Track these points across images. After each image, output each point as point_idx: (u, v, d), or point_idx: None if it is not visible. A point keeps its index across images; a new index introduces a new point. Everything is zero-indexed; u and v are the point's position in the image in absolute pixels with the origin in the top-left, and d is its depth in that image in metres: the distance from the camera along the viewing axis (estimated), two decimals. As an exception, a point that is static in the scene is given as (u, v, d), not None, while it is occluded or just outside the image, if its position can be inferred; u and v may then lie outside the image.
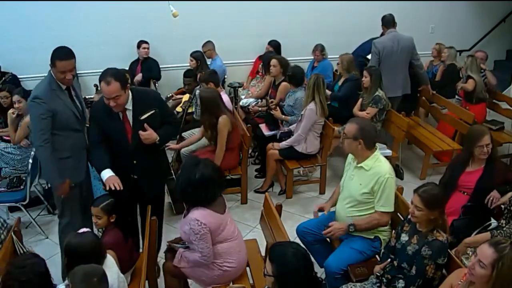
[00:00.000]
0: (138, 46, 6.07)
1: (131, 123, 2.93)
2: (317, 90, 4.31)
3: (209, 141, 4.22)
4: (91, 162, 3.27)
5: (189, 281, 3.07)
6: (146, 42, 6.05)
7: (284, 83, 4.93)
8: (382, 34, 5.33)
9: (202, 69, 5.47)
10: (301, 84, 4.75)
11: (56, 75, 2.98)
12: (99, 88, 5.39)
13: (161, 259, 3.60)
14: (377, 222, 2.87)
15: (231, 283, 2.80)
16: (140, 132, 2.88)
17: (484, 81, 5.27)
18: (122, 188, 2.84)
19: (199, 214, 2.58)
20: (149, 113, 2.92)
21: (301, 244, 2.46)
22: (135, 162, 3.01)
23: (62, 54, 2.94)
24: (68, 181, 3.05)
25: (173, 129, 3.17)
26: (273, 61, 5.00)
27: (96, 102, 2.87)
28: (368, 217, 2.89)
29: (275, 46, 6.19)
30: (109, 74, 2.75)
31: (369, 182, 2.84)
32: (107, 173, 2.91)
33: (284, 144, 4.47)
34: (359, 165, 2.91)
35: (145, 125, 2.89)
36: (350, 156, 3.06)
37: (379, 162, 2.87)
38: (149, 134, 2.89)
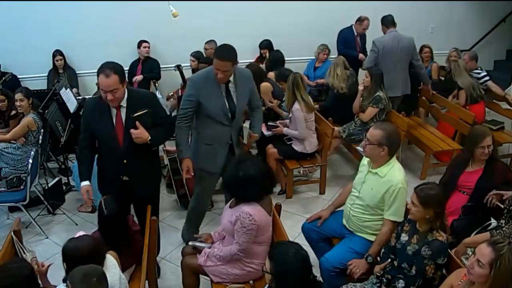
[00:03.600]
0: (139, 45, 6.08)
1: (123, 121, 2.87)
2: (297, 88, 4.27)
3: None
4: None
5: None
6: (147, 42, 6.07)
7: (263, 84, 4.80)
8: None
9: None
10: None
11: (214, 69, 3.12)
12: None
13: (161, 259, 3.60)
14: (386, 237, 2.80)
15: (251, 282, 2.79)
16: (132, 130, 2.82)
17: (485, 85, 5.28)
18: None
19: (253, 210, 2.58)
20: (141, 112, 2.87)
21: (304, 243, 2.45)
22: (125, 161, 2.94)
23: (220, 53, 3.06)
24: (188, 160, 3.25)
25: (165, 131, 3.07)
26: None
27: (89, 100, 2.84)
28: (377, 239, 2.83)
29: (267, 46, 6.14)
30: (108, 67, 2.72)
31: (381, 189, 2.78)
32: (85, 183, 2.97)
33: (286, 130, 4.42)
34: (374, 170, 2.82)
35: (137, 123, 2.83)
36: (365, 158, 2.97)
37: (393, 171, 2.78)
38: (140, 133, 2.82)
